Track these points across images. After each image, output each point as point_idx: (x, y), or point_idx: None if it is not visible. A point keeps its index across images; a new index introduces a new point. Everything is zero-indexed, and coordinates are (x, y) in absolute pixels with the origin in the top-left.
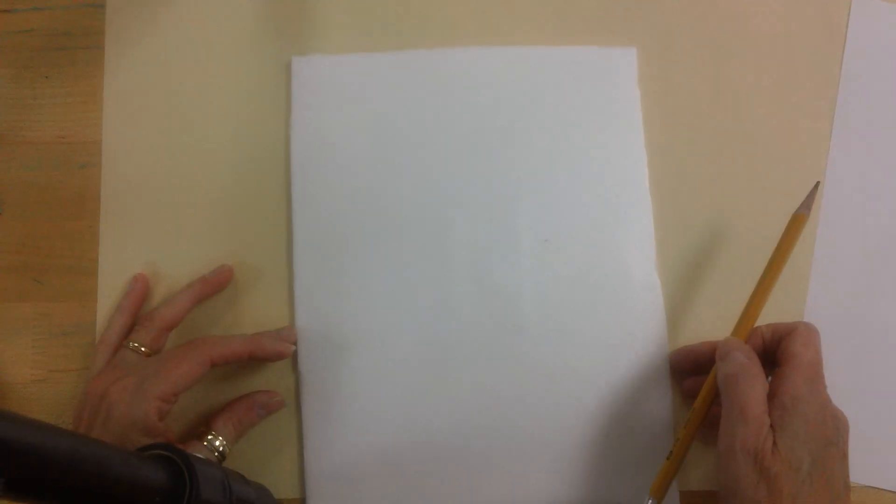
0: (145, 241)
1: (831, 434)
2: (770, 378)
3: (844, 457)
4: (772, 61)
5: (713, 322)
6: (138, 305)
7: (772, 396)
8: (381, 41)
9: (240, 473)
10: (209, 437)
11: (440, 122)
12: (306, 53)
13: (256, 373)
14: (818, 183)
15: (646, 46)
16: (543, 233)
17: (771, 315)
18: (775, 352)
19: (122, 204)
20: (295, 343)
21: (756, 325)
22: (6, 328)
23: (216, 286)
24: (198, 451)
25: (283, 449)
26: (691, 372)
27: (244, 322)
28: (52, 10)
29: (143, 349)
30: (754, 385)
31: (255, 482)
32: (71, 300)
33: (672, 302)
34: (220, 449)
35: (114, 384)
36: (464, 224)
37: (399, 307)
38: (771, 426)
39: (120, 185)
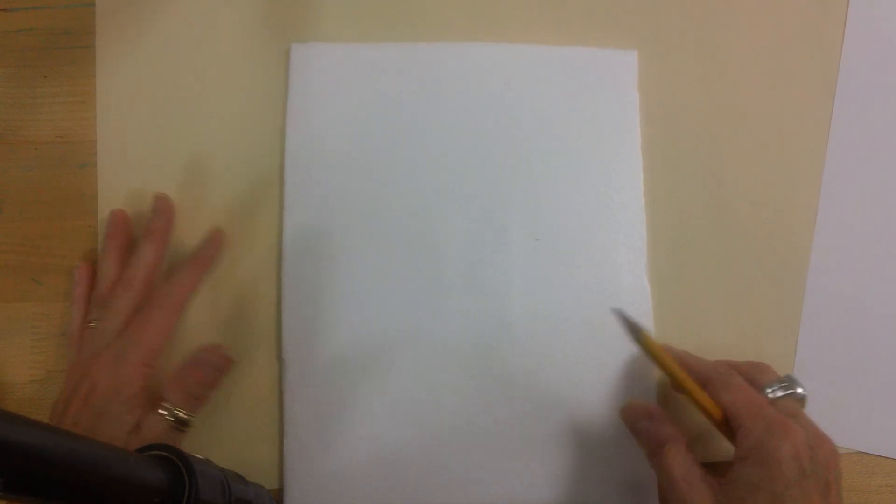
0: None
1: (806, 465)
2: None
3: (828, 484)
4: (774, 72)
5: (701, 328)
6: (90, 290)
7: (737, 446)
8: (379, 33)
9: (239, 474)
10: (164, 404)
11: (436, 116)
12: (305, 41)
13: (238, 363)
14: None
15: (647, 50)
16: (535, 232)
17: (772, 305)
18: None
19: (119, 203)
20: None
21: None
22: (5, 328)
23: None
24: (157, 422)
25: (263, 437)
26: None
27: (233, 311)
28: (52, 8)
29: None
30: (667, 449)
31: (254, 483)
32: (70, 300)
33: (661, 306)
34: (179, 416)
35: (91, 362)
36: (455, 220)
37: (387, 300)
38: (730, 476)
39: (117, 183)
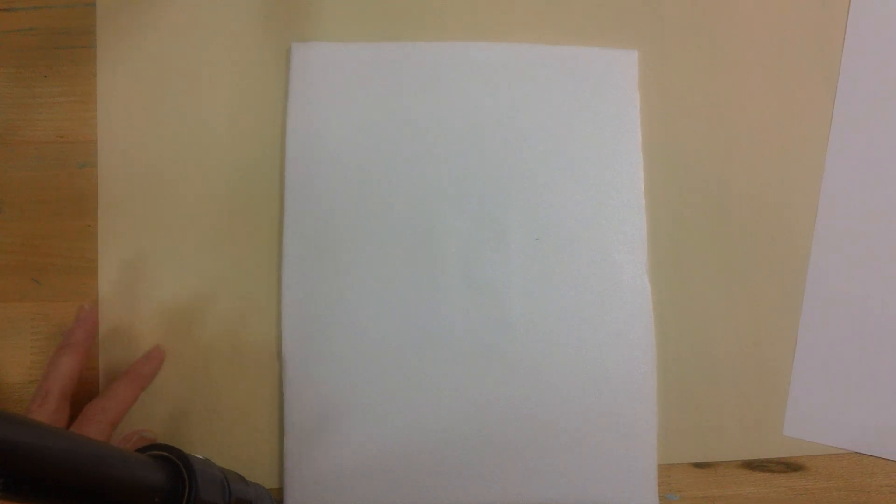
0: (144, 238)
1: None
2: None
3: None
4: (774, 72)
5: (701, 328)
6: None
7: None
8: (379, 32)
9: (239, 474)
10: None
11: (436, 115)
12: (305, 41)
13: (238, 362)
14: None
15: (647, 50)
16: (535, 231)
17: (771, 305)
18: None
19: (120, 203)
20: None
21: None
22: (4, 328)
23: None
24: None
25: (263, 437)
26: None
27: (229, 310)
28: (52, 8)
29: None
30: None
31: (254, 483)
32: (69, 300)
33: (661, 306)
34: None
35: None
36: (455, 218)
37: (386, 299)
38: None
39: (117, 183)
